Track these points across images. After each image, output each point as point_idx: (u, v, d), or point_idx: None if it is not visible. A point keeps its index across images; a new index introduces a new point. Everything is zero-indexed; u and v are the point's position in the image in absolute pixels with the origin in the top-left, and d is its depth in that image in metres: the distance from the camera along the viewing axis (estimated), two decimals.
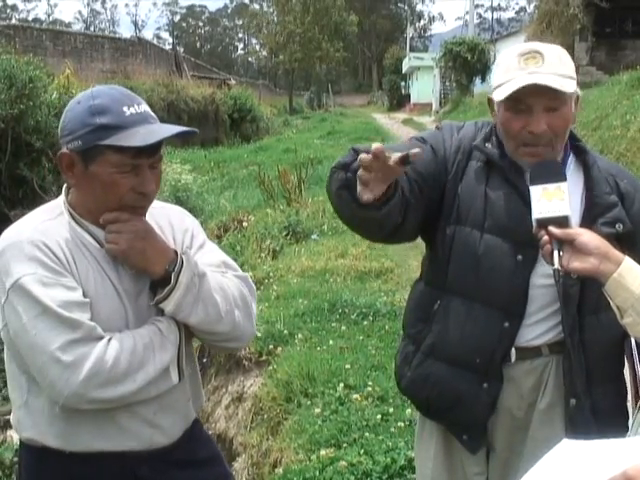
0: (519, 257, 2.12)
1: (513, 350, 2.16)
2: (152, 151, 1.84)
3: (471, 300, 2.17)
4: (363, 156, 1.76)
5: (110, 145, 1.79)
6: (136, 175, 1.84)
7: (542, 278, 2.12)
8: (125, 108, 1.82)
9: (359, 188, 1.85)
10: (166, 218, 2.09)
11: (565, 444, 1.27)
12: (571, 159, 2.19)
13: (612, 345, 2.14)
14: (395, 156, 1.76)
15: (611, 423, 2.04)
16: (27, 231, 1.85)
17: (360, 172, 1.81)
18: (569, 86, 2.01)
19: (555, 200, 1.87)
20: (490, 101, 2.18)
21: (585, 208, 2.11)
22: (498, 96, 2.05)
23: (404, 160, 1.76)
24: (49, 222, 1.90)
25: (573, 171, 2.10)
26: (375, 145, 1.75)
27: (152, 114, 1.89)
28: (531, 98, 2.01)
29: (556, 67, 2.02)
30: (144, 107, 1.87)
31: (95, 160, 1.82)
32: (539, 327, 2.15)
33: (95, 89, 1.90)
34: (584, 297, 2.08)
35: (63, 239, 1.86)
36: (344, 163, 1.98)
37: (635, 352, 2.09)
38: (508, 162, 2.16)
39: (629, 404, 2.11)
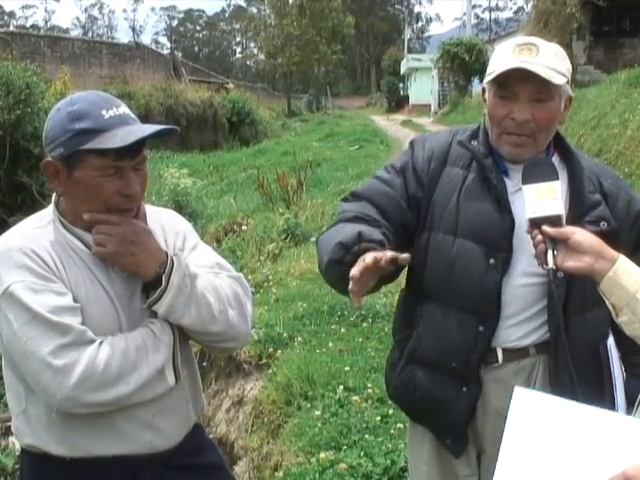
0: (491, 261, 2.12)
1: (500, 351, 2.17)
2: (134, 152, 1.84)
3: (446, 305, 2.19)
4: (354, 272, 1.79)
5: (91, 149, 1.79)
6: (120, 177, 1.84)
7: (524, 277, 2.12)
8: (104, 111, 1.82)
9: (350, 285, 1.84)
10: (158, 222, 2.09)
11: (519, 393, 1.31)
12: (556, 158, 2.19)
13: (598, 345, 2.15)
14: (386, 257, 1.82)
15: None
16: (16, 239, 1.86)
17: (352, 271, 1.83)
18: (557, 78, 2.02)
19: (548, 199, 1.88)
20: (484, 91, 2.20)
21: (570, 207, 2.11)
22: (487, 79, 2.09)
23: (394, 262, 1.85)
24: (38, 230, 1.90)
25: (558, 170, 2.09)
26: (368, 258, 1.80)
27: (132, 116, 1.89)
28: (518, 86, 2.04)
29: (549, 60, 2.04)
30: (123, 109, 1.87)
31: (78, 166, 1.82)
32: (524, 327, 2.15)
33: (74, 95, 1.91)
34: (570, 296, 2.08)
35: (52, 245, 1.87)
36: (336, 260, 1.99)
37: (612, 355, 2.07)
38: (490, 161, 2.17)
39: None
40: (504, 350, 2.17)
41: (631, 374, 2.19)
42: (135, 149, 1.83)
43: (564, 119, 2.16)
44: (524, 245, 2.05)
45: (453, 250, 2.16)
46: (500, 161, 2.19)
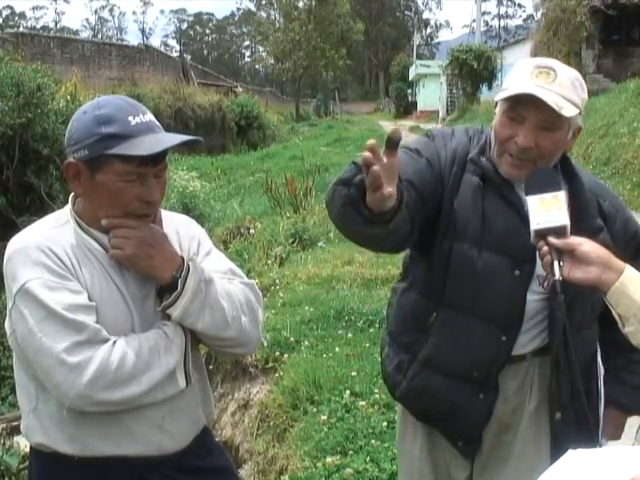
0: (516, 272, 2.11)
1: None
2: (157, 160, 1.86)
3: (469, 315, 2.17)
4: (365, 155, 1.63)
5: (116, 154, 1.80)
6: (141, 184, 1.85)
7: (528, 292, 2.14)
8: (130, 117, 1.84)
9: (368, 196, 1.74)
10: (173, 226, 2.10)
11: (570, 454, 1.28)
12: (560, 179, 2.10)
13: (592, 360, 2.20)
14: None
15: (591, 435, 2.00)
16: (33, 237, 1.88)
17: (368, 178, 1.68)
18: (568, 110, 1.96)
19: (553, 210, 1.85)
20: (496, 104, 2.16)
21: (572, 232, 1.99)
22: (498, 96, 2.04)
23: (390, 144, 1.68)
24: (55, 229, 1.92)
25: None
26: (369, 142, 1.66)
27: (157, 123, 1.91)
28: (528, 110, 1.99)
29: (565, 89, 1.98)
30: (149, 116, 1.89)
31: (101, 169, 1.83)
32: (525, 337, 2.16)
33: (101, 99, 1.92)
34: (570, 318, 2.01)
35: (69, 244, 1.88)
36: (345, 179, 1.86)
37: (600, 371, 2.06)
38: (501, 177, 2.13)
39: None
40: None
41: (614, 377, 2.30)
42: (159, 157, 1.85)
43: (570, 148, 2.12)
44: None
45: (479, 263, 2.12)
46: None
